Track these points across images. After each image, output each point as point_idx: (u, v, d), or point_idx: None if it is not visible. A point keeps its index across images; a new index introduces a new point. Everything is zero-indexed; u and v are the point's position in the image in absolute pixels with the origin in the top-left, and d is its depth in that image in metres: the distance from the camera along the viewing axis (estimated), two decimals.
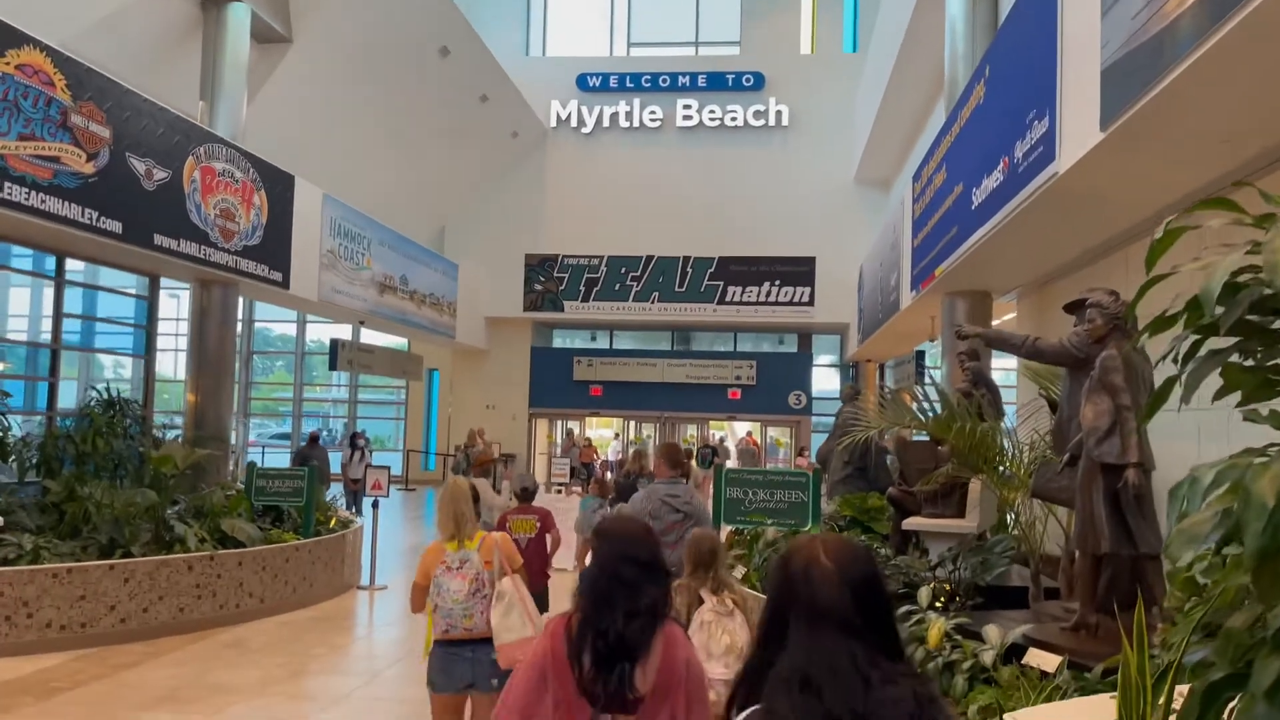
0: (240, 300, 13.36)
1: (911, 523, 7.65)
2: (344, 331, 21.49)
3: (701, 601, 4.48)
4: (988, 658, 4.89)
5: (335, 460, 16.02)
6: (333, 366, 16.59)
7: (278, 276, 13.69)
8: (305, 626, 8.42)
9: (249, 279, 12.97)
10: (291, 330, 27.21)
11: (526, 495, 6.79)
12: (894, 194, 17.93)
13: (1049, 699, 4.21)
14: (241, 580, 8.48)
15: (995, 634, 5.07)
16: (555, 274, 23.83)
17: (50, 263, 10.64)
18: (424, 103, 19.87)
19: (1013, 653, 4.89)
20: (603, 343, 26.34)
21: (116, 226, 10.08)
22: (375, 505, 10.66)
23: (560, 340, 26.42)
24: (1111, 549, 4.96)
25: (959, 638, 5.18)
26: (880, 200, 23.21)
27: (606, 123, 24.91)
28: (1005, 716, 2.91)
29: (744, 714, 1.69)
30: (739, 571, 7.80)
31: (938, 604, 5.85)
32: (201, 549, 8.23)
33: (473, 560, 4.24)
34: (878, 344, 18.63)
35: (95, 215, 9.70)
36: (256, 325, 27.44)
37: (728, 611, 4.48)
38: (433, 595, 4.23)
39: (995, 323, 12.81)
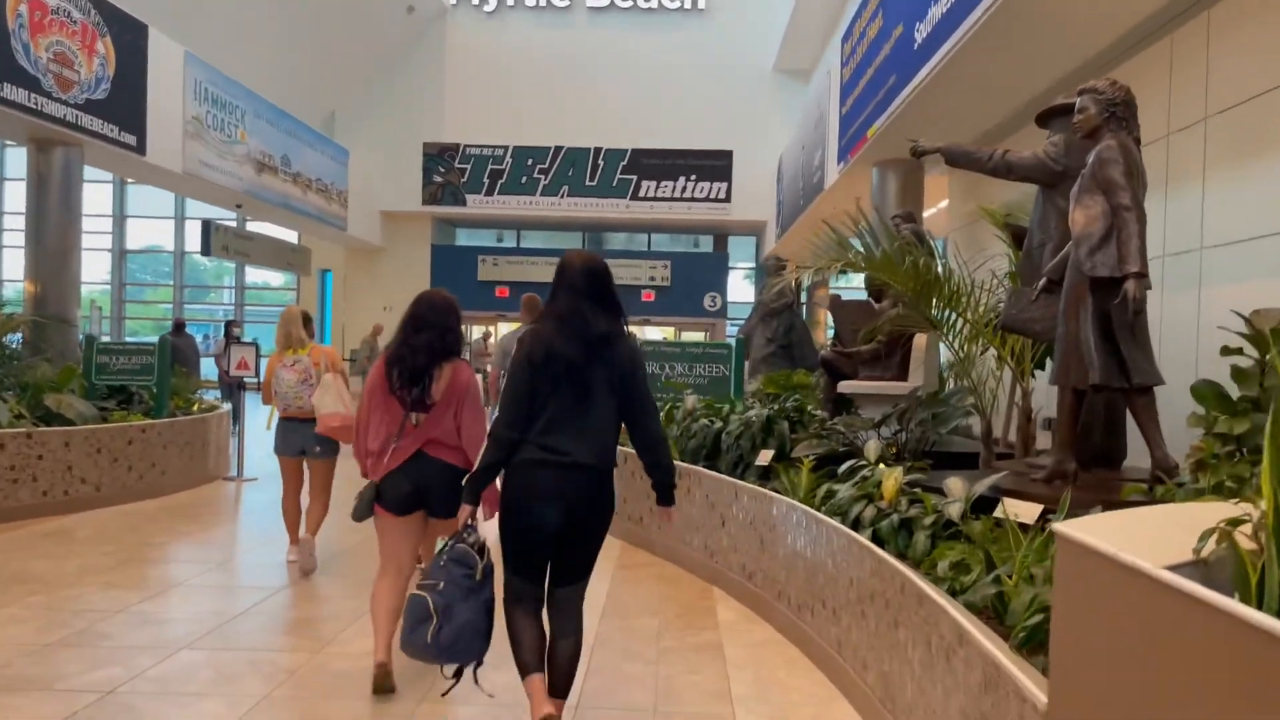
0: (84, 169, 11.62)
1: (848, 386, 6.80)
2: (231, 223, 19.61)
3: None
4: (954, 510, 4.05)
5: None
6: (205, 252, 14.95)
7: (130, 140, 11.99)
8: (149, 516, 7.21)
9: (95, 139, 11.28)
10: (169, 234, 25.01)
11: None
12: (815, 81, 16.91)
13: (1040, 544, 3.37)
14: (70, 464, 7.19)
15: (959, 486, 4.24)
16: (456, 165, 22.23)
17: None
18: None
19: (979, 509, 4.07)
20: (509, 242, 24.96)
21: None
22: (241, 387, 9.39)
23: (465, 239, 24.91)
24: (1102, 380, 4.12)
25: (917, 491, 4.34)
26: (800, 92, 22.14)
27: (511, 1, 23.11)
28: (1054, 524, 1.98)
29: (523, 330, 3.92)
30: None
31: (885, 463, 4.99)
32: (18, 425, 6.90)
33: (303, 361, 5.76)
34: (797, 238, 17.77)
35: None
36: (129, 222, 25.16)
37: None
38: (274, 385, 5.78)
39: (927, 213, 12.02)
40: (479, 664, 3.24)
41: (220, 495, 8.38)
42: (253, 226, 21.47)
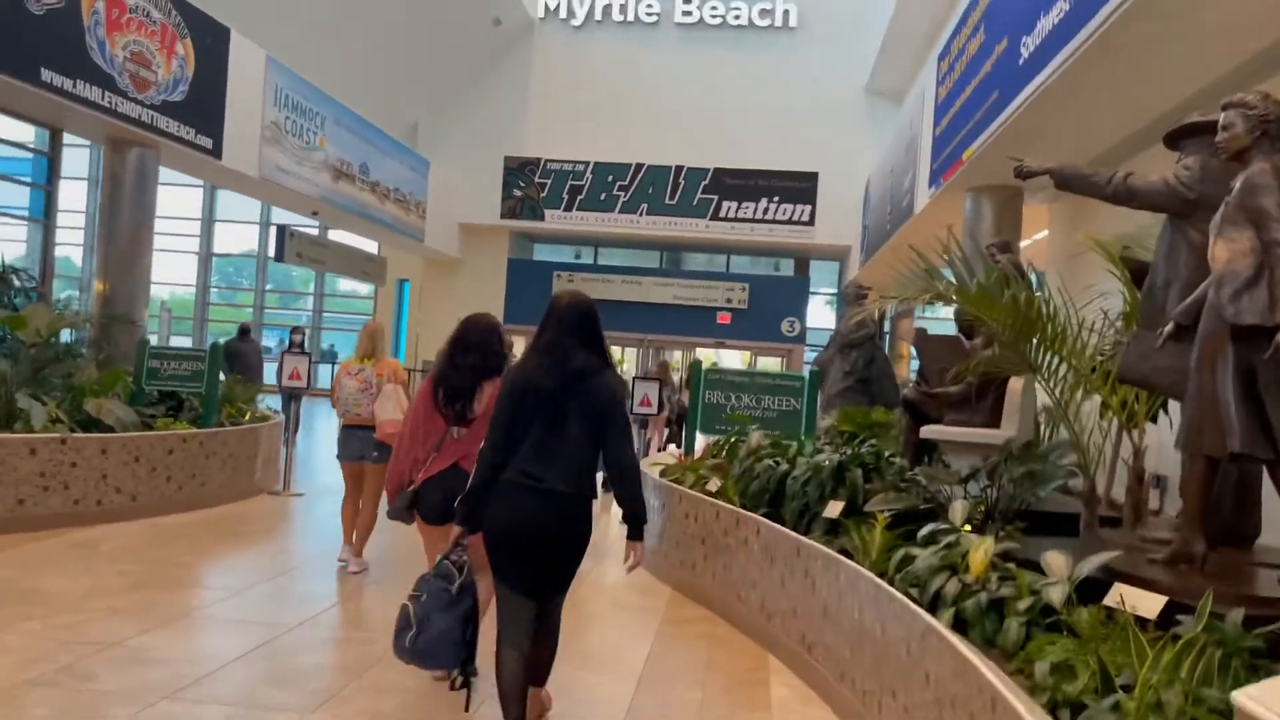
0: (159, 170, 11.57)
1: (932, 431, 6.10)
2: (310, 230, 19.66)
3: None
4: (1055, 594, 3.40)
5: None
6: (279, 257, 14.92)
7: (207, 143, 11.94)
8: (181, 531, 6.90)
9: (171, 141, 11.22)
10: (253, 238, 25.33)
11: None
12: (908, 103, 16.17)
13: (1172, 657, 2.71)
14: (106, 472, 6.92)
15: (1061, 563, 3.57)
16: (537, 179, 22.00)
17: None
18: None
19: (1086, 592, 3.42)
20: (586, 259, 24.63)
21: None
22: (295, 398, 9.10)
23: (542, 254, 24.66)
24: (1243, 447, 3.42)
25: (1010, 566, 3.68)
26: (892, 113, 21.32)
27: (599, 15, 22.82)
28: (1236, 695, 1.35)
29: (511, 366, 3.73)
30: (714, 484, 6.28)
31: (968, 526, 4.32)
32: (52, 430, 6.65)
33: (367, 371, 6.16)
34: (882, 266, 16.96)
35: None
36: (218, 226, 25.57)
37: None
38: (337, 392, 6.24)
39: (1024, 244, 11.18)
40: (469, 670, 3.46)
41: (261, 511, 8.06)
42: (333, 235, 21.60)
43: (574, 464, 3.32)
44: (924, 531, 4.21)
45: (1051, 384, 5.15)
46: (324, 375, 24.75)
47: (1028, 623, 3.37)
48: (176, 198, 25.44)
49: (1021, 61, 7.56)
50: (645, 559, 7.10)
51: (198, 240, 25.34)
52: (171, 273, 26.17)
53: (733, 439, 6.87)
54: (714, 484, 6.33)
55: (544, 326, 3.46)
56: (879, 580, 3.84)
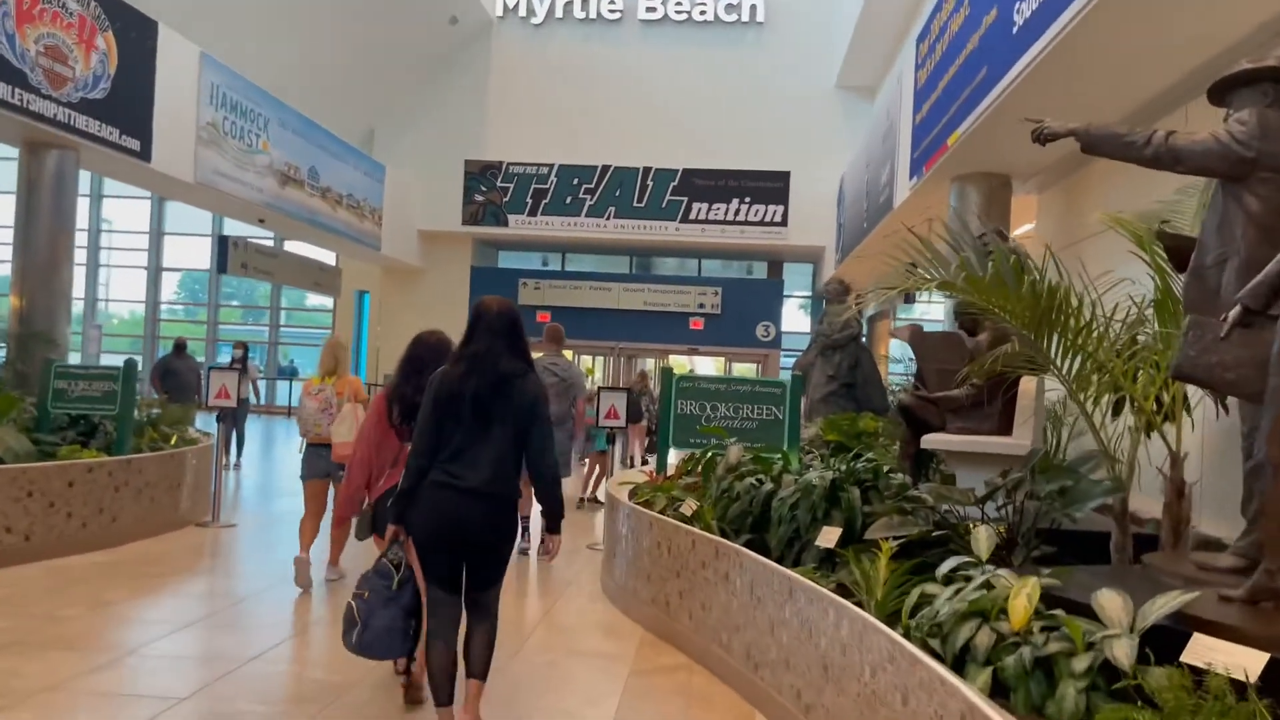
0: (78, 174, 10.65)
1: (936, 440, 5.37)
2: (265, 240, 18.67)
3: None
4: (1120, 651, 2.67)
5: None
6: (221, 269, 14.01)
7: (133, 144, 11.04)
8: (79, 575, 6.03)
9: (91, 142, 10.33)
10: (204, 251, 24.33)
11: None
12: (884, 91, 15.55)
13: None
14: None
15: (1118, 607, 2.87)
16: (499, 184, 21.18)
17: None
18: None
19: (1150, 642, 2.70)
20: (554, 265, 23.83)
21: None
22: (220, 419, 8.22)
23: (507, 261, 23.82)
24: None
25: (1057, 613, 2.95)
26: (864, 109, 20.75)
27: (560, 13, 22.04)
28: None
29: (436, 371, 3.61)
30: (688, 508, 5.51)
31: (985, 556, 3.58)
32: None
33: (327, 391, 6.25)
34: (859, 265, 16.30)
35: None
36: (167, 239, 24.54)
37: None
38: (298, 411, 6.37)
39: (1017, 233, 10.51)
40: (411, 658, 3.88)
41: (181, 547, 7.17)
42: (288, 246, 20.66)
43: (496, 465, 3.48)
44: (944, 568, 3.46)
45: (1075, 385, 4.42)
46: (282, 391, 23.80)
47: (1088, 686, 2.65)
48: (124, 210, 24.55)
49: (1015, 30, 6.87)
50: (613, 594, 6.39)
51: (145, 254, 24.32)
52: (126, 289, 25.15)
53: (709, 454, 6.10)
54: (689, 506, 5.56)
55: (472, 331, 3.61)
56: (894, 635, 3.07)
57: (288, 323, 26.27)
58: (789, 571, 4.07)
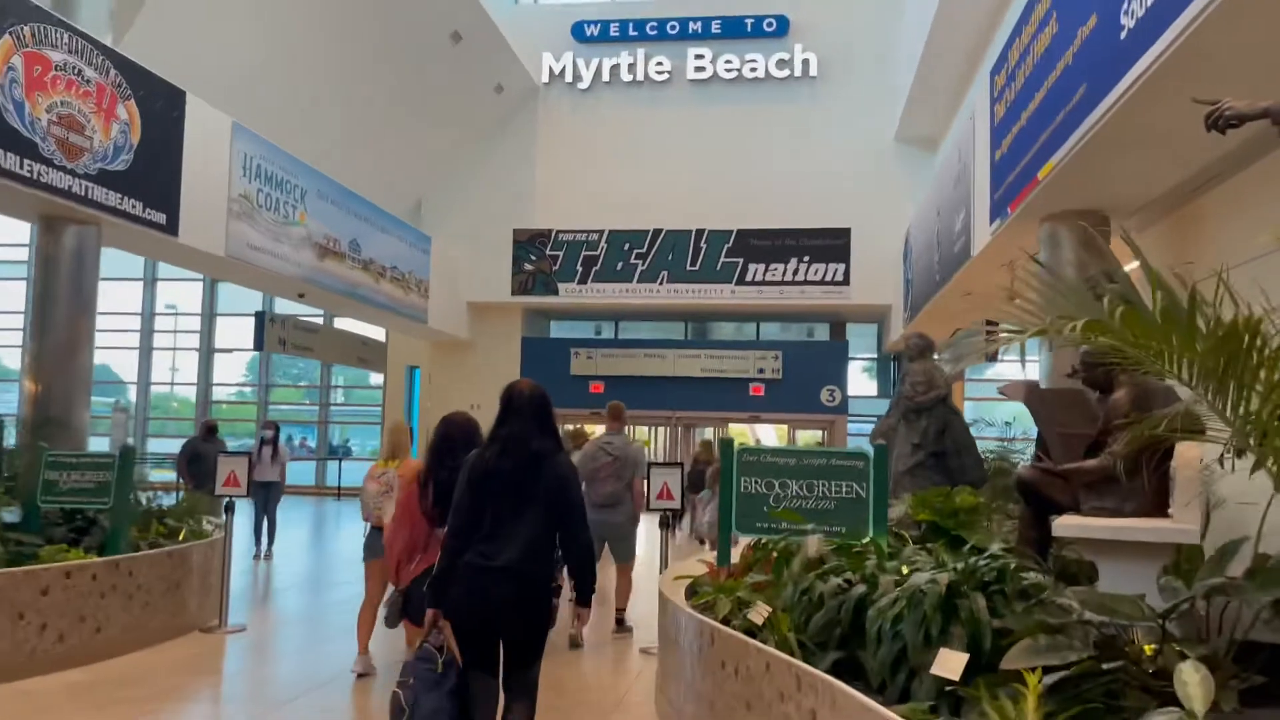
0: (100, 251, 10.11)
1: (1071, 525, 4.24)
2: (312, 317, 18.17)
3: None
4: None
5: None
6: (259, 346, 13.43)
7: (159, 218, 10.51)
8: (47, 702, 5.14)
9: (113, 216, 9.79)
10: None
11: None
12: (954, 132, 14.60)
13: None
14: None
15: None
16: (548, 252, 20.54)
17: None
18: (390, 44, 16.74)
19: None
20: (607, 334, 23.04)
21: None
22: (229, 508, 7.37)
23: (558, 331, 23.08)
24: None
25: None
26: (926, 161, 19.79)
27: (607, 77, 21.58)
28: None
29: (470, 454, 3.71)
30: (758, 614, 4.44)
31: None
32: None
33: (389, 474, 6.20)
34: (931, 322, 15.16)
35: None
36: (219, 320, 24.36)
37: None
38: (361, 495, 6.31)
39: (1130, 268, 9.38)
40: None
41: (174, 660, 6.26)
42: (337, 322, 20.21)
43: (528, 544, 3.51)
44: None
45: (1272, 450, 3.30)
46: (330, 472, 23.15)
47: None
48: (171, 289, 24.48)
49: (1124, 35, 5.89)
50: None
51: (198, 336, 24.14)
52: (181, 372, 25.00)
53: (781, 544, 5.03)
54: (759, 613, 4.48)
55: (504, 414, 3.70)
56: None
57: (342, 401, 25.81)
58: (896, 716, 2.98)
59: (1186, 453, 4.11)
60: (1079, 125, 6.79)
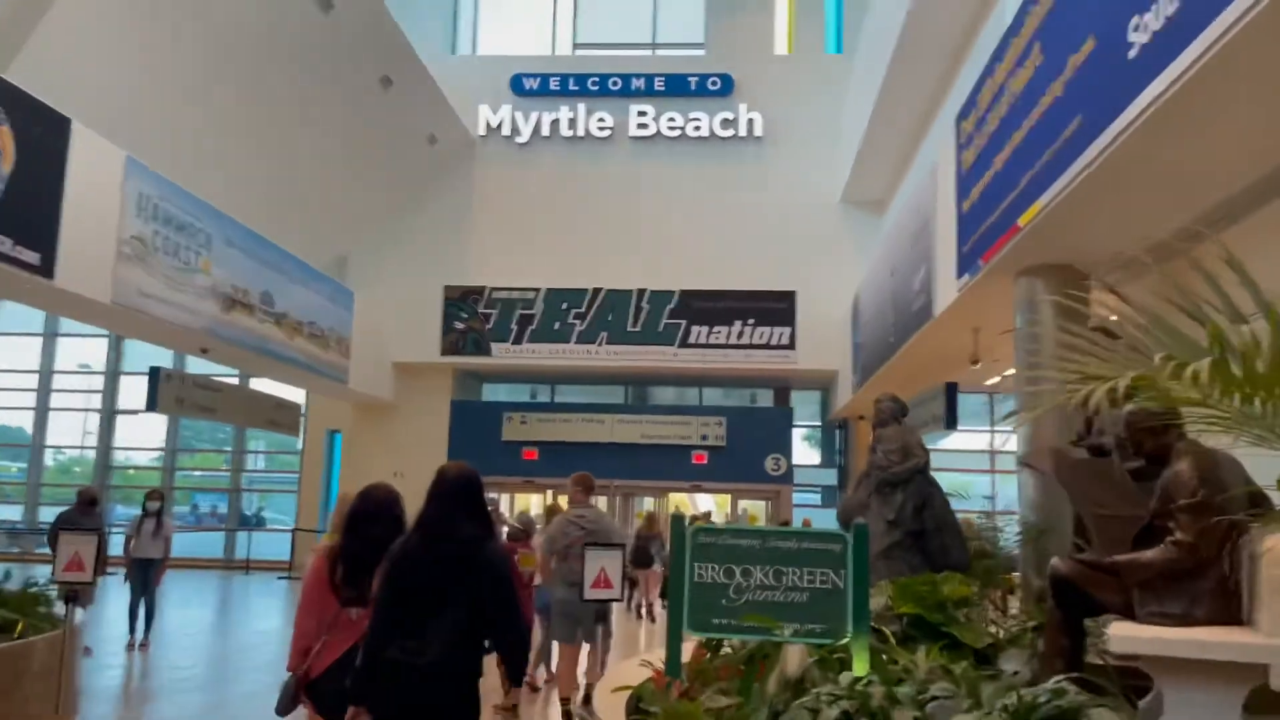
0: (38, 314, 8.82)
1: (1126, 636, 3.27)
2: (228, 377, 16.66)
3: None
4: None
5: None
6: (151, 406, 12.01)
7: (30, 258, 9.24)
8: None
9: None
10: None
11: (525, 534, 8.67)
12: (909, 186, 14.06)
13: None
14: None
15: None
16: (481, 310, 19.46)
17: None
18: (314, 86, 15.74)
19: None
20: (542, 397, 21.93)
21: None
22: (70, 600, 6.05)
23: (492, 394, 21.89)
24: None
25: None
26: (873, 224, 19.34)
27: (546, 131, 20.83)
28: None
29: (394, 544, 3.50)
30: None
31: None
32: None
33: None
34: (885, 386, 14.37)
35: None
36: (122, 380, 22.67)
37: None
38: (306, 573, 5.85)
39: (1116, 314, 8.69)
40: None
41: None
42: (255, 384, 18.80)
43: (454, 641, 3.33)
44: None
45: None
46: (240, 544, 21.42)
47: None
48: (75, 347, 22.81)
49: (1133, 55, 5.15)
50: None
51: (99, 396, 22.43)
52: (72, 436, 23.14)
53: (749, 654, 3.98)
54: None
55: (431, 499, 3.52)
56: None
57: (263, 467, 24.17)
58: None
59: (1278, 545, 3.20)
60: (1070, 165, 6.06)
